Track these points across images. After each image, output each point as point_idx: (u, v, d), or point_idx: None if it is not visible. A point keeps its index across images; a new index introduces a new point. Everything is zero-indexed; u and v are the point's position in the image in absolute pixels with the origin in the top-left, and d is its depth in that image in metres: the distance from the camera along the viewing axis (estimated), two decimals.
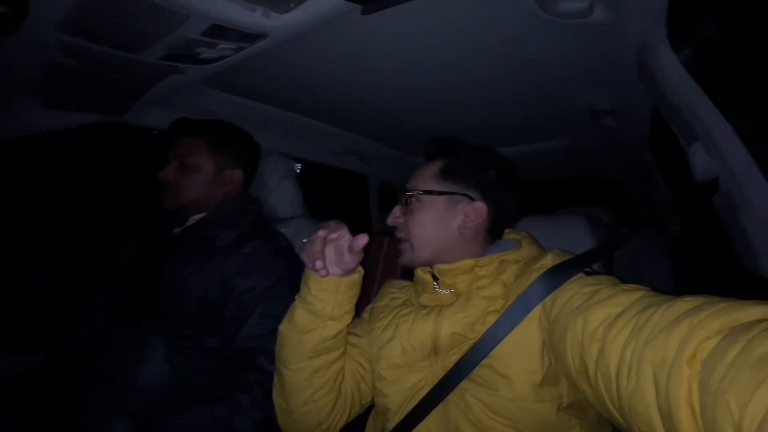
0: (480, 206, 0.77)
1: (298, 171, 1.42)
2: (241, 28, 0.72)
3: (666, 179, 1.59)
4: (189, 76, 0.94)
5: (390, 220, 0.82)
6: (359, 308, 0.91)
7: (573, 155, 1.80)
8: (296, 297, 0.74)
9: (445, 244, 0.77)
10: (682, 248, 1.52)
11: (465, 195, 0.77)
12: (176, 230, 1.06)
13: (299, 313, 0.72)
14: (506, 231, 0.84)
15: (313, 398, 0.72)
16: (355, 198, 2.11)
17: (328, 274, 0.68)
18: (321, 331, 0.72)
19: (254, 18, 0.71)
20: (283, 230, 1.17)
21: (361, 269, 0.75)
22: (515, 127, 1.52)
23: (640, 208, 2.21)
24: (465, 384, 0.66)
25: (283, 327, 0.74)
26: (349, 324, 0.76)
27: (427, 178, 0.80)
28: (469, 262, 0.74)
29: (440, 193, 0.77)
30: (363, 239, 0.67)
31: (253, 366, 0.85)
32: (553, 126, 1.51)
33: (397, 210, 0.81)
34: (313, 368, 0.72)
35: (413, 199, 0.79)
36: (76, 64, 0.81)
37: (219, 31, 0.72)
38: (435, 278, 0.78)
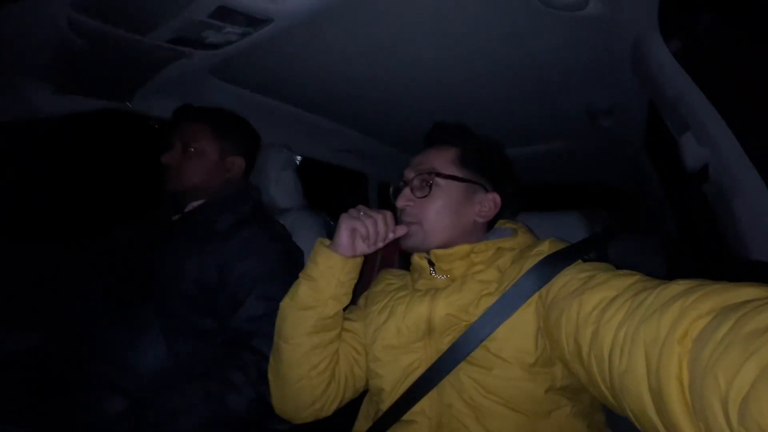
0: (495, 197, 0.78)
1: (298, 163, 1.43)
2: (247, 12, 0.75)
3: (662, 183, 1.60)
4: (194, 63, 0.96)
5: (401, 202, 0.78)
6: (357, 297, 0.92)
7: (570, 158, 1.82)
8: (300, 275, 0.75)
9: (458, 231, 0.77)
10: (677, 251, 1.52)
11: (482, 185, 0.78)
12: (175, 217, 1.07)
13: (303, 289, 0.73)
14: (502, 221, 0.84)
15: (308, 375, 0.73)
16: (354, 195, 2.12)
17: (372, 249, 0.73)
18: (321, 308, 0.72)
19: (260, 1, 0.73)
20: (282, 221, 1.17)
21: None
22: (514, 128, 1.53)
23: (636, 213, 2.23)
24: (460, 364, 0.67)
25: (285, 303, 0.75)
26: (345, 308, 0.76)
27: (445, 162, 0.78)
28: (465, 248, 0.74)
29: (462, 180, 0.77)
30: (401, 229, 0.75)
31: (249, 347, 0.86)
32: (551, 127, 1.53)
33: (408, 192, 0.78)
34: (312, 344, 0.73)
35: (431, 182, 0.76)
36: (85, 45, 0.83)
37: (225, 13, 0.74)
38: (431, 264, 0.79)
